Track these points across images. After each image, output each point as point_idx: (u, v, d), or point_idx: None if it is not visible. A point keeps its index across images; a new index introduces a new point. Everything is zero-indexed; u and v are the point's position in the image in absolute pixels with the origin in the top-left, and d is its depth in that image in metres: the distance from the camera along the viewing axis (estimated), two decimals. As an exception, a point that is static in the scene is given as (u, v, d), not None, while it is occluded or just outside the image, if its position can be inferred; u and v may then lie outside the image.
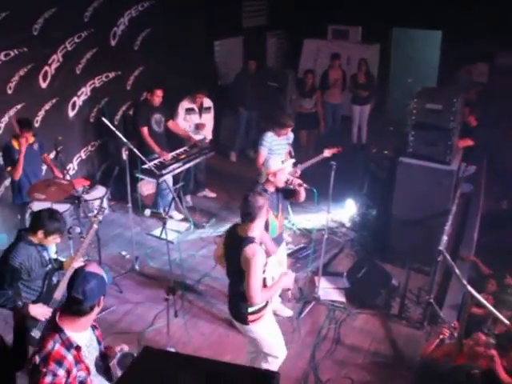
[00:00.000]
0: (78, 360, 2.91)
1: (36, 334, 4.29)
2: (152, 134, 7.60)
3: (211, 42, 10.69)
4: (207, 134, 8.40)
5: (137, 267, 6.76)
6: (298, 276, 6.56)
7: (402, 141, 7.01)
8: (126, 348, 3.34)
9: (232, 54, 11.30)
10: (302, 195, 5.32)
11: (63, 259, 4.99)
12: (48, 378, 2.78)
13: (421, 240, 6.21)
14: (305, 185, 5.25)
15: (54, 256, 5.06)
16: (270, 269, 4.40)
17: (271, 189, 5.19)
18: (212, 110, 8.42)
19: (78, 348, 2.91)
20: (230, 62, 11.13)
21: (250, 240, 4.06)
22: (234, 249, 4.15)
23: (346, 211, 8.04)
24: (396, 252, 6.70)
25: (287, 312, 6.01)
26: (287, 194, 5.39)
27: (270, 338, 4.47)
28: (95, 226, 4.99)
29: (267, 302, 4.38)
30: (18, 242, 4.37)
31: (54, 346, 2.84)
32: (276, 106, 10.20)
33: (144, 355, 2.76)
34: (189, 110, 8.13)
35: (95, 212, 5.44)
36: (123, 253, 7.11)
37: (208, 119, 8.33)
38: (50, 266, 4.57)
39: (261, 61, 10.94)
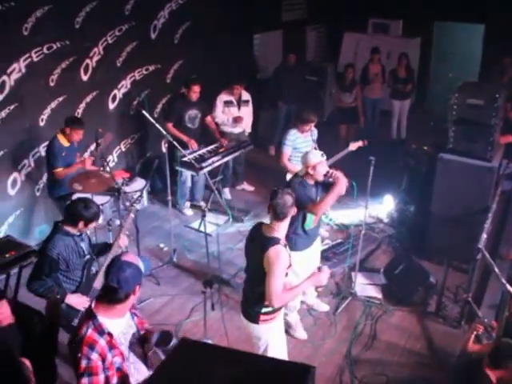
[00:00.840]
0: (112, 346, 2.98)
1: (76, 323, 4.39)
2: (184, 129, 7.59)
3: (251, 35, 10.69)
4: (246, 127, 8.42)
5: (175, 259, 6.83)
6: (334, 271, 6.57)
7: (442, 136, 6.90)
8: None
9: (271, 47, 11.28)
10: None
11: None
12: (83, 362, 2.88)
13: (460, 237, 6.10)
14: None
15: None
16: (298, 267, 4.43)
17: (310, 182, 5.16)
18: (250, 103, 8.42)
19: (110, 334, 2.97)
20: (269, 55, 11.11)
21: (276, 241, 3.97)
22: (256, 247, 4.08)
23: (384, 207, 7.97)
24: (434, 249, 6.63)
25: (323, 307, 6.01)
26: (327, 188, 5.33)
27: (272, 345, 4.34)
28: (132, 215, 5.07)
29: (281, 307, 4.27)
30: (54, 234, 4.45)
31: (87, 331, 2.93)
32: (315, 100, 10.16)
33: (181, 346, 2.79)
34: (227, 103, 8.15)
35: (132, 201, 5.53)
36: (161, 245, 7.19)
37: (246, 112, 8.34)
38: (88, 257, 4.64)
39: (300, 54, 10.89)
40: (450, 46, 11.76)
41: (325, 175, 5.14)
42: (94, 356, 2.88)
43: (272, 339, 4.32)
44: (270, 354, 4.30)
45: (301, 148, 6.74)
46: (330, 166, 5.39)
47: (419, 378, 5.12)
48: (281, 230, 4.07)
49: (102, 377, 2.92)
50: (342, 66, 10.62)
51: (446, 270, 5.88)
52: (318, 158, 5.11)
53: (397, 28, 12.13)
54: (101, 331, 2.94)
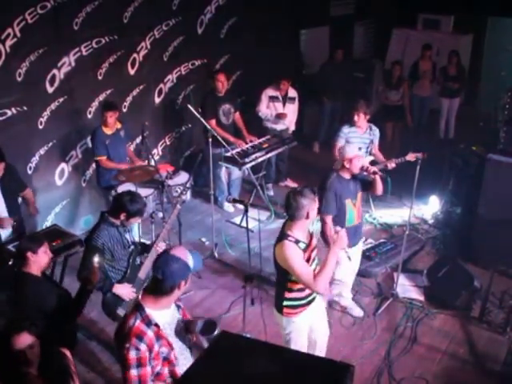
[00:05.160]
0: (159, 336, 3.05)
1: (121, 312, 4.49)
2: (220, 125, 7.52)
3: (297, 31, 10.62)
4: (290, 124, 8.38)
5: (216, 254, 6.87)
6: (376, 271, 6.49)
7: (491, 137, 6.74)
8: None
9: (318, 43, 11.17)
10: (379, 186, 5.24)
11: (147, 242, 5.15)
12: (132, 353, 2.94)
13: (507, 241, 5.96)
14: (380, 173, 5.20)
15: (136, 239, 5.23)
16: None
17: (346, 176, 5.14)
18: (297, 101, 8.37)
19: (157, 325, 3.04)
20: (315, 51, 11.01)
21: (284, 237, 4.00)
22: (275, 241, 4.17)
23: (430, 208, 7.82)
24: (480, 252, 6.46)
25: (357, 311, 5.85)
26: (364, 185, 5.32)
27: (295, 339, 4.38)
28: (179, 206, 5.13)
29: (308, 303, 4.29)
30: (100, 224, 4.55)
31: (135, 322, 2.99)
32: (362, 97, 10.03)
33: (221, 339, 2.81)
34: (272, 98, 8.13)
35: (178, 192, 5.59)
36: (203, 239, 7.24)
37: (291, 110, 8.29)
38: (132, 247, 4.72)
39: (347, 51, 10.77)
40: (504, 43, 11.42)
41: (361, 169, 5.12)
42: (143, 347, 2.95)
43: (294, 333, 4.37)
44: (293, 345, 4.38)
45: (353, 143, 6.58)
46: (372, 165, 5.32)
47: (460, 383, 5.01)
48: (294, 228, 4.03)
49: (149, 368, 3.00)
50: (389, 63, 10.45)
51: (491, 275, 5.72)
52: (354, 151, 5.15)
53: (448, 24, 11.84)
54: (148, 322, 3.01)
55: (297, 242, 4.01)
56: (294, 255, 3.94)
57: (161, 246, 4.81)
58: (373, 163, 6.78)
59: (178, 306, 3.35)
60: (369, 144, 6.80)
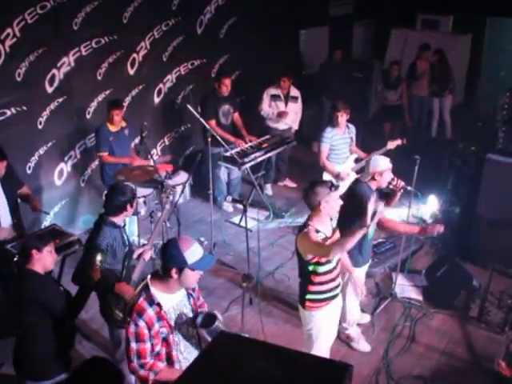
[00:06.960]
0: (160, 317, 3.15)
1: (118, 315, 4.47)
2: (219, 126, 7.52)
3: (297, 31, 10.64)
4: (293, 124, 8.40)
5: (214, 253, 6.86)
6: (375, 271, 6.49)
7: (490, 137, 6.74)
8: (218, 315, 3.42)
9: (317, 43, 11.18)
10: (395, 201, 5.21)
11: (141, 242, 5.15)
12: (132, 327, 3.12)
13: (507, 241, 5.97)
14: (408, 187, 5.10)
15: (136, 237, 5.23)
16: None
17: (373, 188, 4.96)
18: (299, 101, 8.38)
19: (159, 305, 3.14)
20: (315, 51, 11.01)
21: (304, 226, 4.16)
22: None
23: (428, 207, 7.81)
24: (479, 252, 6.47)
25: (364, 346, 5.47)
26: (385, 196, 5.21)
27: (316, 335, 4.43)
28: (167, 206, 5.13)
29: (331, 297, 4.36)
30: (102, 226, 4.50)
31: (138, 299, 3.14)
32: (361, 98, 10.04)
33: (219, 339, 2.82)
34: (274, 97, 8.14)
35: (167, 192, 5.62)
36: (202, 239, 7.22)
37: (293, 109, 8.30)
38: (127, 248, 4.71)
39: (346, 51, 10.78)
40: (503, 43, 11.41)
41: (389, 182, 5.00)
42: (141, 323, 3.08)
43: (316, 328, 4.42)
44: (315, 341, 4.45)
45: (338, 145, 6.69)
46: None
47: (458, 382, 5.02)
48: (314, 218, 4.18)
49: (148, 345, 3.12)
50: (388, 63, 10.45)
51: (490, 274, 5.74)
52: (386, 164, 4.94)
53: (447, 24, 11.81)
54: (151, 301, 3.13)
55: (317, 231, 4.11)
56: (310, 236, 4.04)
57: (147, 253, 4.79)
58: (356, 160, 6.86)
59: (190, 296, 3.40)
60: (350, 143, 6.86)
